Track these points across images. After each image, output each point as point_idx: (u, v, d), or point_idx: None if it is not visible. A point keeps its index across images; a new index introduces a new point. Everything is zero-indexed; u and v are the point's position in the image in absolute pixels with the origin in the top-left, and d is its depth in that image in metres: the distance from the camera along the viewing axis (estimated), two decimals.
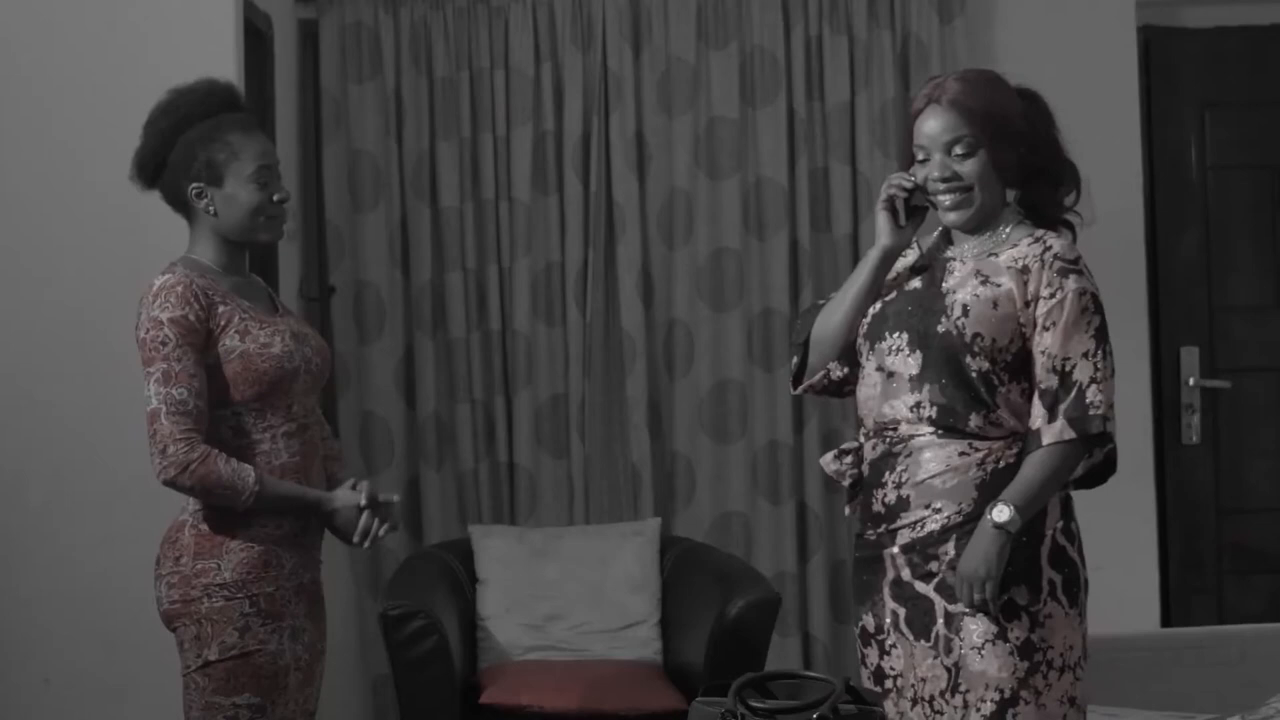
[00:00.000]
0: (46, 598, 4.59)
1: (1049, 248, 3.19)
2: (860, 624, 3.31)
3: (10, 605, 4.58)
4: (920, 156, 3.25)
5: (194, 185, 3.43)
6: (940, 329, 3.19)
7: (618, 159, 5.63)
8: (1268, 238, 5.93)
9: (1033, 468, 3.13)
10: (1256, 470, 5.94)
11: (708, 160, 5.68)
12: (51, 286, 4.62)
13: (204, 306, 3.36)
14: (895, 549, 3.22)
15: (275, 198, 3.47)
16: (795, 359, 3.42)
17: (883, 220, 3.28)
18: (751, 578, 5.00)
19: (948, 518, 3.16)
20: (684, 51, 5.66)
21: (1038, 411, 3.16)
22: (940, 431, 3.17)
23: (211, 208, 3.44)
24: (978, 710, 3.12)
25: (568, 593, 5.22)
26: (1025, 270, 3.17)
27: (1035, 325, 3.17)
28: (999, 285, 3.18)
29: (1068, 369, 3.14)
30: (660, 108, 5.66)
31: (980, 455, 3.16)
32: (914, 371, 3.20)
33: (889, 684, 3.26)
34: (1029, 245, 3.20)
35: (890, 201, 3.26)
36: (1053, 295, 3.15)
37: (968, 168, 3.21)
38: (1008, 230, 3.25)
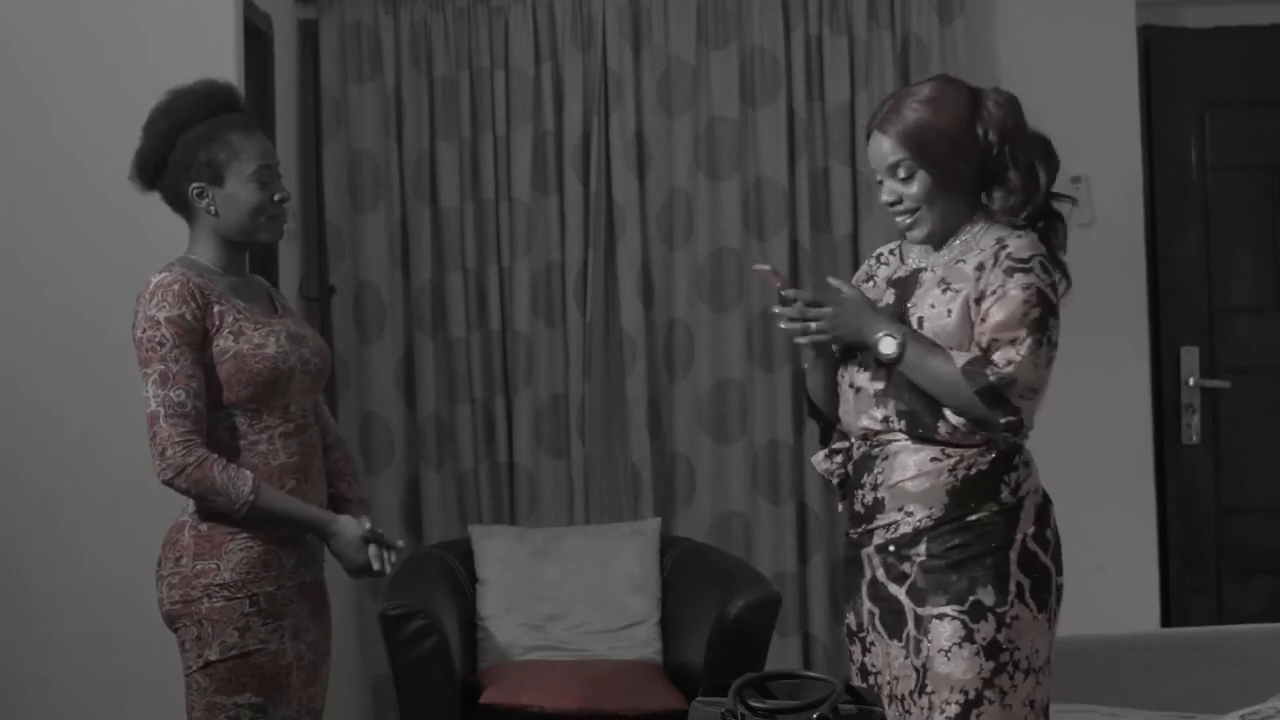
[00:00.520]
0: (46, 598, 4.59)
1: (1004, 247, 3.20)
2: (845, 622, 3.37)
3: (10, 605, 4.58)
4: (876, 179, 3.31)
5: (195, 185, 3.43)
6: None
7: (618, 159, 5.63)
8: (1268, 238, 5.93)
9: (941, 357, 3.15)
10: (1256, 470, 5.94)
11: (708, 160, 5.68)
12: (51, 287, 4.62)
13: (200, 305, 3.36)
14: (871, 549, 3.26)
15: (276, 197, 3.46)
16: (817, 425, 3.47)
17: (806, 352, 3.36)
18: (751, 578, 5.00)
19: (919, 521, 3.20)
20: (684, 51, 5.66)
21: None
22: (912, 438, 3.21)
23: (212, 207, 3.44)
24: (942, 712, 3.15)
25: (568, 593, 5.22)
26: (980, 268, 3.20)
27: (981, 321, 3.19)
28: (958, 291, 3.21)
29: (993, 349, 3.15)
30: (660, 108, 5.66)
31: (952, 461, 3.19)
32: (879, 387, 3.25)
33: (871, 681, 3.29)
34: (992, 247, 3.22)
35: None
36: (994, 292, 3.17)
37: (913, 189, 3.25)
38: (979, 235, 3.26)
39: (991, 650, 3.15)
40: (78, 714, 4.60)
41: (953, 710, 3.15)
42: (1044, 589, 3.18)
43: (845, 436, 3.35)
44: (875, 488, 3.25)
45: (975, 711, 3.14)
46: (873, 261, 3.43)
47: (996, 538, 3.16)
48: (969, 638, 3.14)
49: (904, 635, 3.21)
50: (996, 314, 3.16)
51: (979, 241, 3.24)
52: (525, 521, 5.60)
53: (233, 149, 3.42)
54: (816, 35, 5.68)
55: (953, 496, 3.18)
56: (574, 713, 4.75)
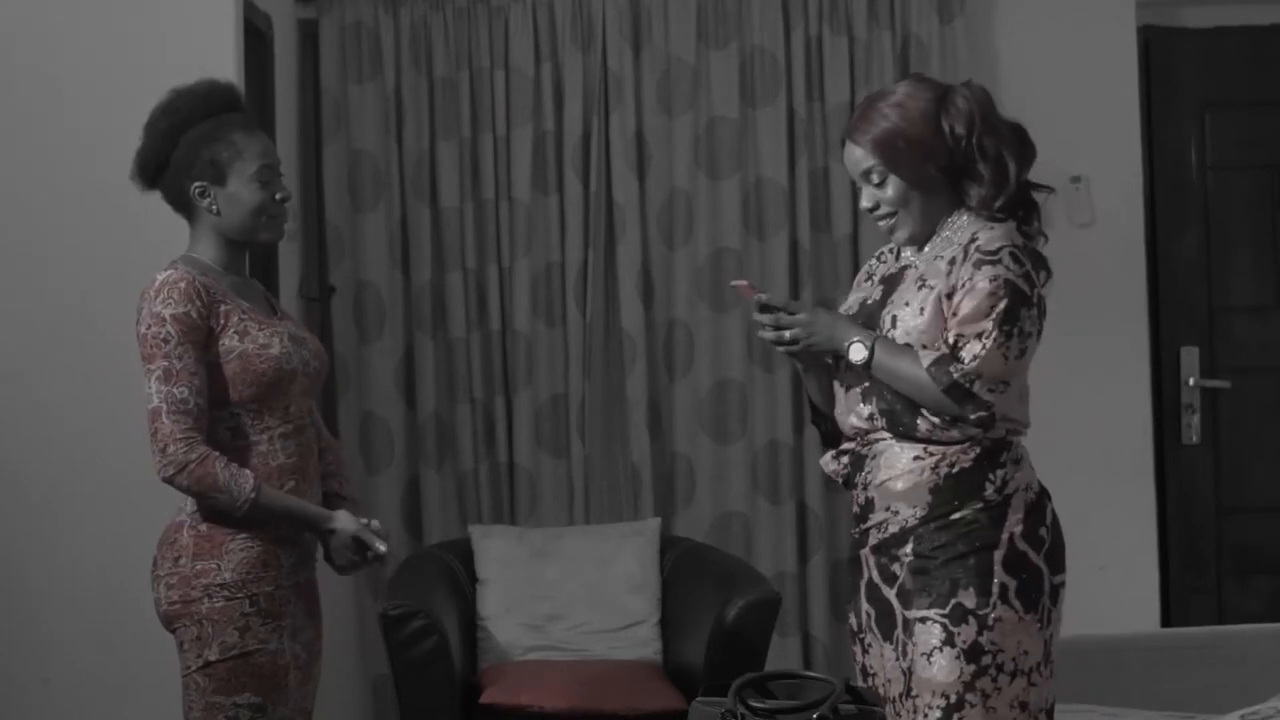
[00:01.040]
0: (46, 598, 4.59)
1: (975, 240, 3.21)
2: (848, 622, 3.38)
3: (10, 605, 4.58)
4: (857, 186, 3.36)
5: (196, 184, 3.43)
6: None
7: (618, 159, 5.63)
8: (1268, 238, 5.93)
9: (909, 359, 3.16)
10: (1256, 470, 5.94)
11: (708, 160, 5.68)
12: (52, 286, 4.62)
13: (206, 304, 3.36)
14: (868, 549, 3.27)
15: (277, 197, 3.47)
16: (819, 429, 3.48)
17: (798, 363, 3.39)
18: (751, 578, 5.00)
19: (905, 520, 3.20)
20: (684, 51, 5.66)
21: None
22: (895, 436, 3.22)
23: (214, 207, 3.44)
24: (925, 716, 3.15)
25: (568, 593, 5.22)
26: (952, 262, 3.20)
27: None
28: (932, 287, 3.21)
29: (959, 344, 3.15)
30: (660, 108, 5.67)
31: (934, 459, 3.19)
32: (864, 385, 3.25)
33: (871, 682, 3.30)
34: (964, 241, 3.22)
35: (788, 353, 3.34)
36: (963, 286, 3.18)
37: (887, 194, 3.28)
38: (958, 230, 3.26)
39: (973, 653, 3.14)
40: (78, 714, 4.60)
41: (935, 715, 3.15)
42: (1033, 589, 3.17)
43: (849, 438, 3.36)
44: (866, 487, 3.26)
45: (957, 715, 3.14)
46: (874, 261, 3.45)
47: (981, 537, 3.16)
48: (949, 641, 3.14)
49: (894, 638, 3.22)
50: (964, 307, 3.16)
51: (957, 236, 3.25)
52: (525, 521, 5.60)
53: (235, 148, 3.43)
54: (816, 35, 5.68)
55: (936, 494, 3.18)
56: (574, 713, 4.75)
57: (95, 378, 4.56)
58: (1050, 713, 3.23)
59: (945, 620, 3.14)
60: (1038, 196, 3.29)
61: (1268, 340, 5.93)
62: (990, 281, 3.15)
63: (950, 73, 5.39)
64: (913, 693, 3.17)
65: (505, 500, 5.64)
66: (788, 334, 3.26)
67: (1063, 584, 3.22)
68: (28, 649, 4.58)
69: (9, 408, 4.59)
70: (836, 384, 3.33)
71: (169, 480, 3.33)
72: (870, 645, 3.29)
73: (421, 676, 4.70)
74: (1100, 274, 5.66)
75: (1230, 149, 5.92)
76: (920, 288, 3.23)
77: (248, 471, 3.34)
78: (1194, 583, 5.90)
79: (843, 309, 3.38)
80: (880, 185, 3.27)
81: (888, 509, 3.22)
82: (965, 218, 3.26)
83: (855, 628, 3.33)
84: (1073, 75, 5.71)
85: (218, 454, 3.33)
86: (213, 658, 3.34)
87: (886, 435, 3.23)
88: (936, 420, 3.17)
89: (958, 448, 3.19)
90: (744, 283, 3.35)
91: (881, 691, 3.26)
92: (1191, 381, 5.88)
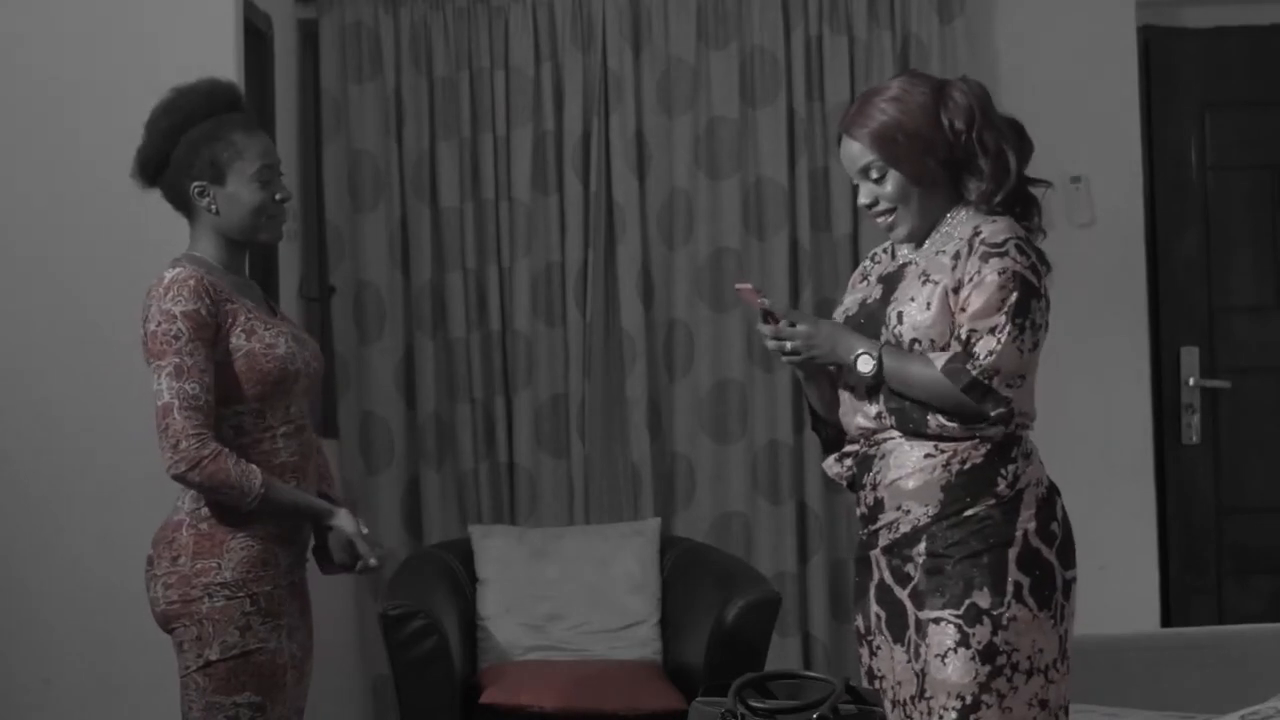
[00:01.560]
0: (46, 598, 4.59)
1: (978, 233, 3.20)
2: (854, 624, 3.35)
3: (10, 605, 4.58)
4: (853, 183, 3.33)
5: (197, 184, 3.43)
6: (882, 340, 3.22)
7: (618, 159, 5.63)
8: (1268, 238, 5.93)
9: (921, 363, 3.15)
10: (1256, 470, 5.94)
11: (708, 160, 5.68)
12: (52, 285, 4.62)
13: (214, 302, 3.36)
14: (878, 550, 3.24)
15: (277, 197, 3.47)
16: (819, 435, 3.47)
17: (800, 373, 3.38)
18: (751, 578, 5.00)
19: (917, 519, 3.18)
20: (684, 51, 5.66)
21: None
22: (905, 435, 3.20)
23: (214, 206, 3.44)
24: (940, 717, 3.13)
25: (568, 593, 5.22)
26: (957, 257, 3.19)
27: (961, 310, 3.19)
28: (937, 283, 3.20)
29: (973, 340, 3.14)
30: (660, 108, 5.67)
31: (945, 456, 3.17)
32: (869, 384, 3.23)
33: (878, 684, 3.28)
34: (968, 235, 3.21)
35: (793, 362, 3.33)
36: (971, 279, 3.16)
37: (886, 190, 3.25)
38: (958, 224, 3.25)
39: (988, 654, 3.13)
40: (78, 714, 4.60)
41: (951, 716, 3.13)
42: (1046, 586, 3.16)
43: (854, 440, 3.34)
44: (875, 487, 3.24)
45: (974, 716, 3.13)
46: (868, 262, 3.43)
47: (994, 533, 3.14)
48: (964, 642, 3.13)
49: (906, 639, 3.20)
50: (974, 301, 3.15)
51: (957, 231, 3.24)
52: (525, 521, 5.60)
53: (235, 148, 3.43)
54: (816, 35, 5.68)
55: (947, 492, 3.16)
56: (574, 713, 4.75)
57: (95, 377, 4.56)
58: (1068, 710, 3.22)
59: (960, 621, 3.13)
60: (1036, 192, 3.29)
61: (1268, 340, 5.93)
62: (999, 274, 3.14)
63: (950, 73, 5.35)
64: (926, 694, 3.15)
65: (505, 500, 5.64)
66: (789, 344, 3.25)
67: (1074, 579, 3.21)
68: (28, 649, 4.58)
69: (9, 407, 4.59)
70: (843, 385, 3.31)
71: (180, 476, 3.32)
72: (879, 648, 3.26)
73: (421, 676, 4.70)
74: (1100, 274, 5.66)
75: (1230, 149, 5.92)
76: (924, 283, 3.20)
77: (254, 467, 3.35)
78: (1194, 583, 5.90)
79: (840, 311, 3.35)
80: (879, 181, 3.25)
81: (899, 508, 3.20)
82: (964, 213, 3.25)
83: (863, 630, 3.30)
84: (1073, 75, 5.71)
85: (228, 450, 3.33)
86: (213, 657, 3.34)
87: (896, 434, 3.21)
88: (946, 417, 3.16)
89: (969, 444, 3.17)
90: (748, 286, 3.33)
91: (891, 694, 3.24)
92: (1191, 381, 5.88)
